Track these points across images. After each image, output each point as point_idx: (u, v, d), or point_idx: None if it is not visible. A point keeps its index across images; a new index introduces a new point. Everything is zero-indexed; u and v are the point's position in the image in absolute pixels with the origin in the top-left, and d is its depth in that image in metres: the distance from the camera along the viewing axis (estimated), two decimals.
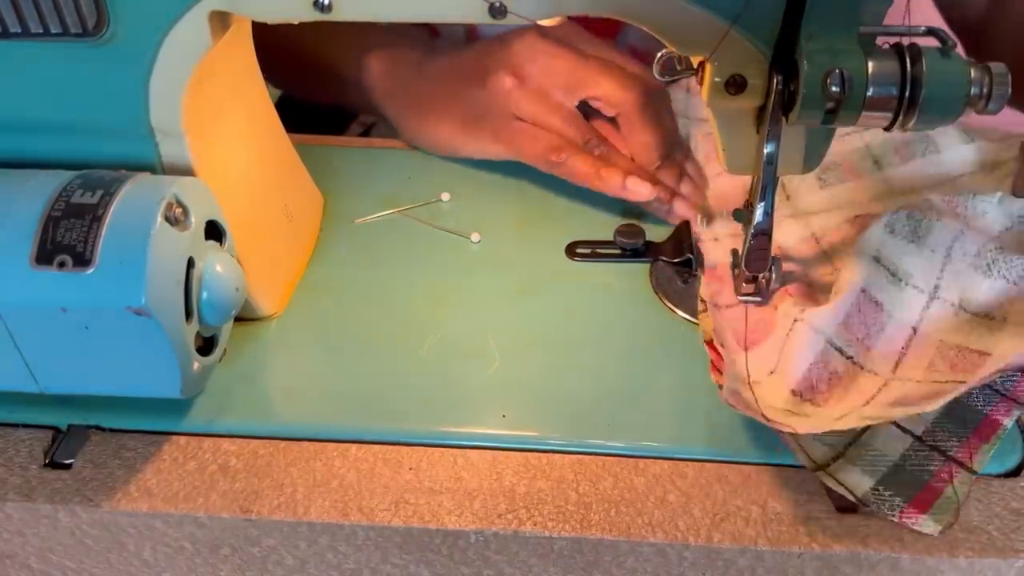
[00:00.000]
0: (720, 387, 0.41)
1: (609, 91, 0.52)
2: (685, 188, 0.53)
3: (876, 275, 0.42)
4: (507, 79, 0.53)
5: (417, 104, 0.58)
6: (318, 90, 0.68)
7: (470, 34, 0.67)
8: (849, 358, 0.40)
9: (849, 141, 0.52)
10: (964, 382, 0.37)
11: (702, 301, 0.46)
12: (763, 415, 0.38)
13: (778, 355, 0.41)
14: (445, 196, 0.56)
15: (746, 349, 0.42)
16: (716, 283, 0.46)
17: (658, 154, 0.52)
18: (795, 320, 0.41)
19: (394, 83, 0.59)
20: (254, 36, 0.46)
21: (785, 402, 0.39)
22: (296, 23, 0.39)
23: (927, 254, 0.42)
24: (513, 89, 0.53)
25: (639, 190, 0.51)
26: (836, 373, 0.40)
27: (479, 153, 0.56)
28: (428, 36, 0.66)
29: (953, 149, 0.50)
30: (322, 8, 0.38)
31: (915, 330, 0.41)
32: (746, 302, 0.45)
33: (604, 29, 0.62)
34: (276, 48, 0.47)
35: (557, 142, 0.53)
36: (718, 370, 0.43)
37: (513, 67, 0.53)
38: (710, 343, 0.44)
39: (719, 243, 0.48)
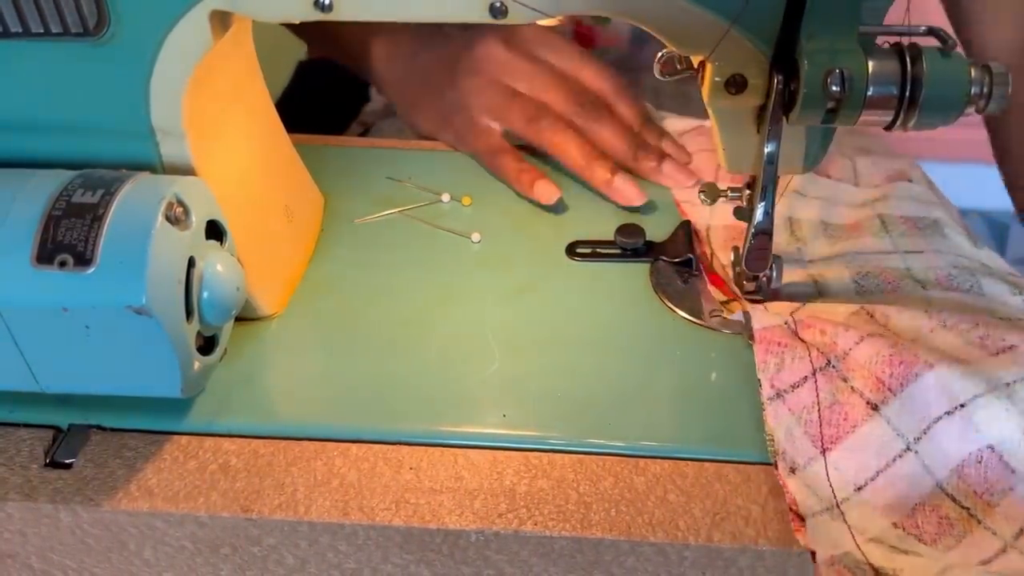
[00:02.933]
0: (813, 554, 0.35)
1: (592, 74, 0.56)
2: (669, 148, 0.55)
3: (1016, 440, 0.36)
4: (499, 47, 0.56)
5: (409, 93, 0.61)
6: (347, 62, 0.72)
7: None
8: (966, 508, 0.36)
9: (889, 259, 0.48)
10: None
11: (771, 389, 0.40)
12: (870, 566, 0.34)
13: (868, 465, 0.37)
14: (445, 197, 0.56)
15: (824, 450, 0.38)
16: (774, 354, 0.40)
17: (641, 121, 0.55)
18: (907, 449, 0.37)
19: (393, 71, 0.62)
20: None
21: (883, 532, 0.36)
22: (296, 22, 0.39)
23: None
24: (506, 55, 0.56)
25: (627, 192, 0.52)
26: (948, 519, 0.36)
27: (448, 144, 0.60)
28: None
29: (999, 298, 0.45)
30: (323, 8, 0.38)
31: None
32: (750, 300, 0.45)
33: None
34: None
35: (532, 112, 0.54)
36: (799, 517, 0.37)
37: (505, 37, 0.56)
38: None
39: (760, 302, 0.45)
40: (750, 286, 0.45)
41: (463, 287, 0.49)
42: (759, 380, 0.40)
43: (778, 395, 0.39)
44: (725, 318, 0.45)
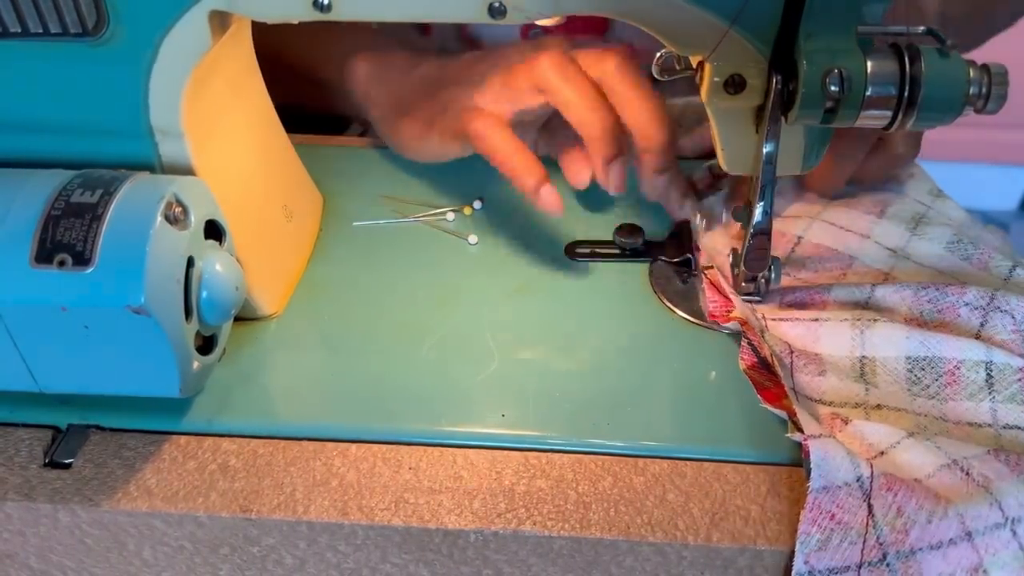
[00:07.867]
0: None
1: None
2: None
3: None
4: (523, 43, 0.51)
5: (397, 106, 0.56)
6: (303, 96, 0.67)
7: (461, 32, 0.67)
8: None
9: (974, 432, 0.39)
10: None
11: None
12: None
13: None
14: (450, 216, 0.54)
15: None
16: (821, 529, 0.34)
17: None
18: None
19: (379, 86, 0.58)
20: None
21: None
22: (293, 24, 0.39)
23: None
24: (527, 47, 0.49)
25: (550, 201, 0.47)
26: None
27: (432, 153, 0.54)
28: (418, 36, 0.66)
29: None
30: (321, 8, 0.38)
31: None
32: (748, 301, 0.45)
33: (592, 27, 0.62)
34: (261, 56, 0.47)
35: (489, 117, 0.48)
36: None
37: (535, 42, 0.50)
38: None
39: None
40: (748, 287, 0.45)
41: (462, 287, 0.49)
42: (796, 548, 0.34)
43: (810, 573, 0.34)
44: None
